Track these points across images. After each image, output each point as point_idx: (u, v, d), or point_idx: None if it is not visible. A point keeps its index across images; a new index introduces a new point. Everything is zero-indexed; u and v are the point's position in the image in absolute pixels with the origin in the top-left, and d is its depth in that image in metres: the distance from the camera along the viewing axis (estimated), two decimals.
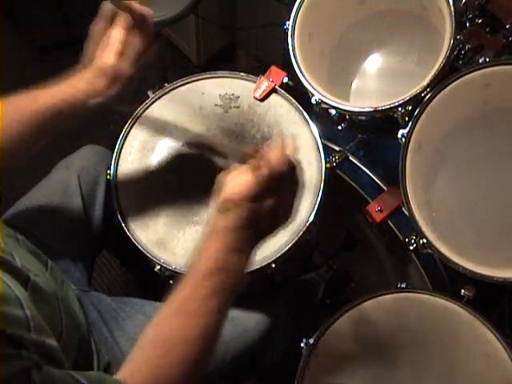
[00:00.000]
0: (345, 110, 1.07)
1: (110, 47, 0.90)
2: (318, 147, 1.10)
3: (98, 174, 1.14)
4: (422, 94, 1.00)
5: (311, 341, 0.98)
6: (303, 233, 1.02)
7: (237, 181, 0.74)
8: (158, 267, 1.02)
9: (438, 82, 0.99)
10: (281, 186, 0.75)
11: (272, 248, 1.02)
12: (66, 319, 0.79)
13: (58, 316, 0.78)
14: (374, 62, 1.24)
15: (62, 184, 1.12)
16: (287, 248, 1.01)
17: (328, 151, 1.17)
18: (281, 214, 0.77)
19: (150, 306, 1.05)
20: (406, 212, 1.01)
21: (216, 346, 0.74)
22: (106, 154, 1.17)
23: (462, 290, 1.04)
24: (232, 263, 0.72)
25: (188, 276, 0.72)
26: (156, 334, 0.72)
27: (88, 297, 1.04)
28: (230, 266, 0.72)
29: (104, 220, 1.15)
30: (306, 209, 1.05)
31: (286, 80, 1.17)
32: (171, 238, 1.05)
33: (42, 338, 0.62)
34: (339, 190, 1.21)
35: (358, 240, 1.39)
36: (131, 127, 1.15)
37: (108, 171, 1.10)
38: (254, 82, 1.17)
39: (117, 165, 1.11)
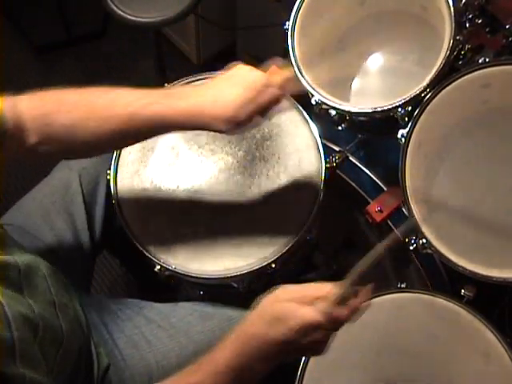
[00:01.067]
0: (345, 111, 1.07)
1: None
2: (318, 147, 1.10)
3: (99, 173, 1.14)
4: (422, 95, 1.00)
5: None
6: (303, 233, 1.03)
7: (304, 308, 0.72)
8: (158, 267, 1.02)
9: (438, 83, 0.99)
10: (330, 332, 0.74)
11: (272, 248, 1.02)
12: (65, 326, 0.79)
13: (58, 324, 0.78)
14: (374, 63, 1.24)
15: (63, 184, 1.12)
16: (287, 248, 1.01)
17: (328, 151, 1.17)
18: (313, 349, 0.75)
19: (149, 308, 1.05)
20: (405, 212, 1.01)
21: None
22: (107, 154, 1.17)
23: (462, 290, 1.04)
24: (248, 371, 0.72)
25: (204, 361, 0.72)
26: None
27: (88, 298, 1.04)
28: (246, 372, 0.72)
29: (105, 220, 1.15)
30: (305, 208, 1.05)
31: None
32: (171, 238, 1.05)
33: (25, 369, 0.61)
34: (339, 190, 1.21)
35: (358, 240, 1.39)
36: None
37: (108, 171, 1.10)
38: None
39: (117, 165, 1.11)
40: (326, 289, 0.75)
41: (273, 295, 0.75)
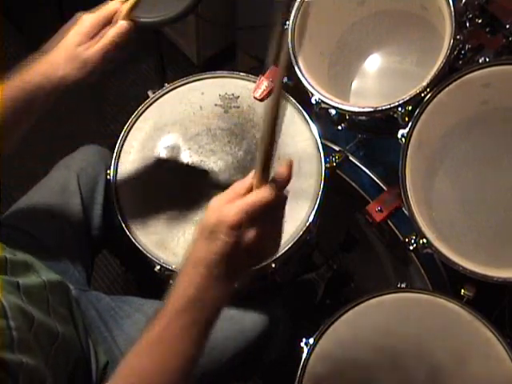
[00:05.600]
0: (345, 110, 1.07)
1: (83, 32, 0.88)
2: (318, 147, 1.10)
3: (97, 173, 1.14)
4: (422, 94, 1.00)
5: (311, 341, 0.98)
6: (303, 233, 1.03)
7: (226, 208, 0.66)
8: (158, 267, 1.02)
9: (438, 82, 0.99)
10: (269, 217, 0.69)
11: None
12: (59, 323, 0.79)
13: (52, 321, 0.78)
14: (374, 62, 1.24)
15: (62, 184, 1.12)
16: (287, 248, 1.01)
17: (328, 151, 1.17)
18: (263, 247, 0.70)
19: (149, 305, 1.05)
20: (406, 212, 1.01)
21: (192, 376, 0.70)
22: (106, 154, 1.17)
23: (462, 290, 1.04)
24: (210, 297, 0.68)
25: (166, 307, 0.69)
26: (132, 365, 0.70)
27: (87, 296, 1.04)
28: (208, 299, 0.68)
29: (103, 220, 1.15)
30: (305, 209, 1.05)
31: (285, 80, 1.17)
32: (171, 238, 1.05)
33: (23, 355, 0.61)
34: (339, 189, 1.21)
35: (357, 240, 1.39)
36: (131, 127, 1.15)
37: (108, 171, 1.10)
38: (254, 82, 1.17)
39: (117, 165, 1.11)
40: (249, 179, 0.70)
41: (204, 216, 0.69)
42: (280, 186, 0.69)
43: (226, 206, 0.66)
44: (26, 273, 0.80)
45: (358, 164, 1.24)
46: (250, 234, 0.66)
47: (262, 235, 0.67)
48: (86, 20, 0.89)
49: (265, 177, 0.68)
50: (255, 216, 0.66)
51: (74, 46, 0.86)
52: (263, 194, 0.67)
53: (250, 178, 0.69)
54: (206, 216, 0.68)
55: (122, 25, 0.90)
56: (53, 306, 0.81)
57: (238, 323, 1.05)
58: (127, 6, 0.91)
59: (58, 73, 0.86)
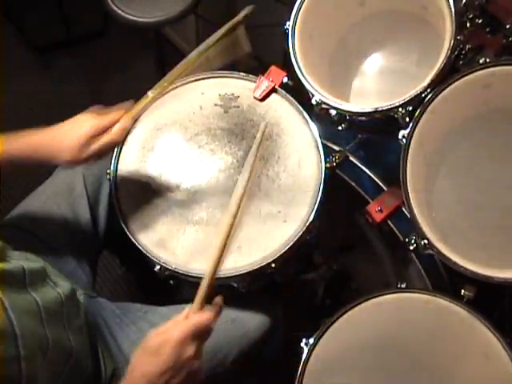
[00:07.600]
0: (345, 111, 1.07)
1: (100, 128, 0.95)
2: (318, 147, 1.10)
3: (102, 173, 1.14)
4: (423, 95, 1.00)
5: (311, 341, 0.98)
6: (303, 233, 1.03)
7: (170, 330, 0.76)
8: (158, 267, 1.02)
9: (439, 83, 0.99)
10: (203, 338, 0.78)
11: (272, 248, 1.02)
12: (73, 337, 0.79)
13: (66, 336, 0.78)
14: (375, 62, 1.24)
15: (68, 184, 1.12)
16: (287, 248, 1.01)
17: (328, 151, 1.17)
18: (191, 371, 0.77)
19: (153, 312, 1.05)
20: (406, 212, 1.01)
21: None
22: (110, 154, 1.16)
23: (462, 290, 1.04)
24: None
25: None
26: None
27: (94, 303, 1.04)
28: None
29: (108, 219, 1.15)
30: (305, 209, 1.05)
31: (285, 80, 1.17)
32: (171, 238, 1.05)
33: None
34: (339, 190, 1.21)
35: (357, 240, 1.39)
36: (131, 127, 1.15)
37: (108, 171, 1.10)
38: (254, 82, 1.17)
39: (117, 165, 1.11)
40: (183, 313, 0.80)
41: (143, 342, 0.79)
42: (219, 312, 0.81)
43: (169, 329, 0.76)
44: (44, 283, 0.80)
45: (358, 164, 1.24)
46: (190, 350, 0.75)
47: (200, 353, 0.77)
48: (105, 118, 0.96)
49: (203, 304, 0.81)
50: (197, 335, 0.76)
51: (88, 137, 0.93)
52: (207, 316, 0.78)
53: (183, 314, 0.79)
54: (148, 340, 0.77)
55: (125, 122, 0.99)
56: (67, 318, 0.81)
57: (241, 326, 1.05)
58: (133, 111, 1.04)
59: (62, 155, 0.93)
